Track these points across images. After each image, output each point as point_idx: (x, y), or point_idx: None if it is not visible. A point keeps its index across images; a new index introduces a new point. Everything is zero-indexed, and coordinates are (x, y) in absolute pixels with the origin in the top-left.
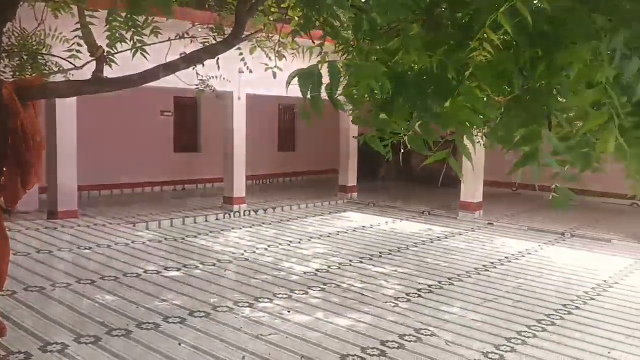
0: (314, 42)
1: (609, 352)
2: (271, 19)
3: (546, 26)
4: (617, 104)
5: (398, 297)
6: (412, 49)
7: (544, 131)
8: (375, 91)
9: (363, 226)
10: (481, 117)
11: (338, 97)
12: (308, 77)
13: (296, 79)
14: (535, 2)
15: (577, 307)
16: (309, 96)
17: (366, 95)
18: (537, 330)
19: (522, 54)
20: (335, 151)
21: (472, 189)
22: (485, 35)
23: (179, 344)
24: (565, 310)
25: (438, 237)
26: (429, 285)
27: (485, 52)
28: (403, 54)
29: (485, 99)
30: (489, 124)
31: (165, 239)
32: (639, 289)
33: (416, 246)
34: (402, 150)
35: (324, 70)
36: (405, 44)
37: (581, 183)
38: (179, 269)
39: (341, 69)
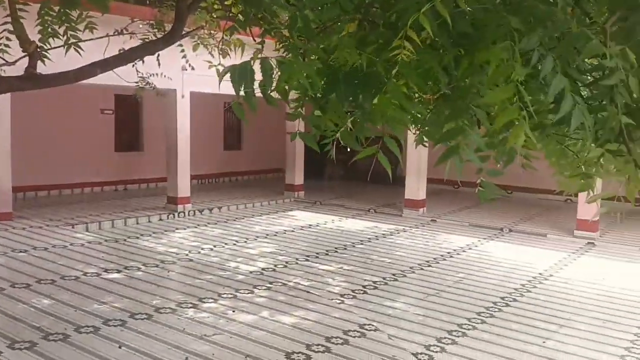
0: (254, 40)
1: (544, 342)
2: (215, 16)
3: (469, 27)
4: (527, 100)
5: (344, 294)
6: (344, 46)
7: (473, 127)
8: (307, 88)
9: (310, 225)
10: (409, 114)
11: (271, 94)
12: (240, 74)
13: (228, 75)
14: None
15: (515, 300)
16: (242, 92)
17: (295, 91)
18: (477, 323)
19: (446, 54)
20: (282, 150)
21: (416, 186)
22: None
23: (119, 347)
24: (503, 303)
25: (383, 234)
26: (374, 282)
27: (407, 51)
28: (337, 52)
29: (416, 95)
30: (420, 121)
31: (106, 240)
32: (573, 282)
33: (362, 243)
34: (333, 147)
35: (258, 67)
36: (338, 42)
37: (519, 180)
38: (119, 271)
39: (274, 66)
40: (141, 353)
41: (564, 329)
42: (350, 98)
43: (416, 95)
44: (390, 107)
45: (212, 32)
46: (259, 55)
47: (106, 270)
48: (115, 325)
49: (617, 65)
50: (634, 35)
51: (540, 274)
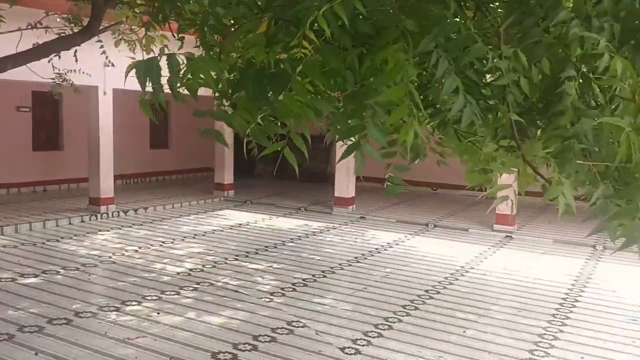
0: (174, 36)
1: (464, 332)
2: (137, 11)
3: (369, 28)
4: (418, 99)
5: (273, 293)
6: (253, 44)
7: (373, 124)
8: (212, 85)
9: (240, 224)
10: (314, 111)
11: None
12: (146, 70)
13: (134, 70)
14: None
15: (438, 292)
16: (149, 88)
17: (205, 88)
18: (402, 316)
19: (350, 53)
20: (211, 149)
21: (345, 184)
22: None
23: (36, 354)
24: (427, 296)
25: (314, 232)
26: (304, 279)
27: (306, 50)
28: (246, 49)
29: (328, 92)
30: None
31: (23, 244)
32: (491, 273)
33: (292, 242)
34: (244, 145)
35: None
36: (249, 40)
37: (445, 177)
38: (37, 276)
39: (181, 62)
40: (58, 359)
41: (482, 318)
42: (260, 95)
43: (326, 92)
44: (295, 104)
45: (133, 28)
46: (165, 51)
47: (22, 275)
48: (31, 332)
49: (509, 67)
50: (528, 38)
51: (461, 266)
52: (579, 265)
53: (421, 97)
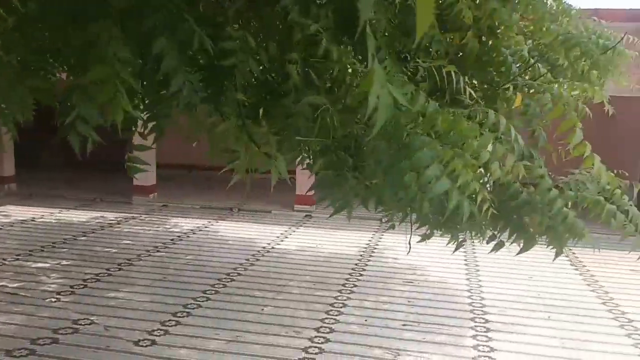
0: None
1: (262, 309)
2: None
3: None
4: (127, 76)
5: (60, 292)
6: None
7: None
8: None
9: (23, 220)
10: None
11: None
12: None
13: None
14: None
15: (239, 274)
16: None
17: None
18: (202, 301)
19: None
20: None
21: (144, 172)
22: None
23: None
24: (228, 279)
25: (110, 224)
26: (97, 274)
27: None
28: None
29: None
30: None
31: None
32: (290, 252)
33: (85, 236)
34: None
35: None
36: None
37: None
38: None
39: None
40: None
41: (280, 294)
42: None
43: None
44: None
45: None
46: None
47: None
48: None
49: (236, 48)
50: (263, 21)
51: (263, 247)
52: (368, 238)
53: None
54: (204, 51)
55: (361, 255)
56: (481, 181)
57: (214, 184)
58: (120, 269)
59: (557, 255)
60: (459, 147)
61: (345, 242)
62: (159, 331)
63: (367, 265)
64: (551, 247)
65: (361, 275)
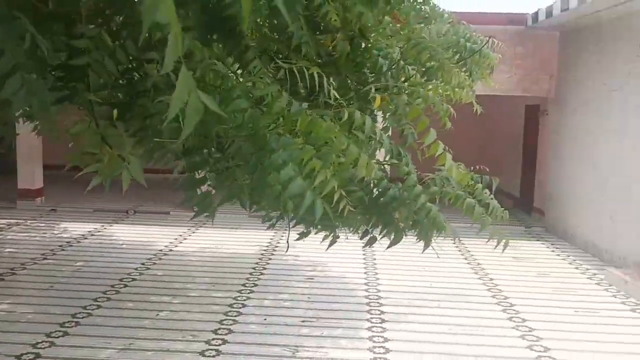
0: None
1: (157, 314)
2: None
3: None
4: None
5: None
6: None
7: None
8: None
9: None
10: None
11: None
12: None
13: None
14: None
15: (133, 279)
16: None
17: None
18: (93, 309)
19: None
20: None
21: (30, 174)
22: None
23: None
24: (122, 284)
25: None
26: None
27: None
28: None
29: None
30: None
31: None
32: (189, 254)
33: None
34: None
35: None
36: None
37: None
38: None
39: None
40: None
41: (177, 298)
42: None
43: None
44: None
45: None
46: None
47: None
48: None
49: (90, 46)
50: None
51: (160, 250)
52: (269, 237)
53: None
54: (55, 50)
55: (262, 254)
56: (348, 179)
57: (109, 186)
58: (1, 280)
59: (425, 247)
60: (323, 148)
61: (246, 241)
62: (44, 343)
63: (268, 264)
64: (419, 239)
65: (262, 274)
